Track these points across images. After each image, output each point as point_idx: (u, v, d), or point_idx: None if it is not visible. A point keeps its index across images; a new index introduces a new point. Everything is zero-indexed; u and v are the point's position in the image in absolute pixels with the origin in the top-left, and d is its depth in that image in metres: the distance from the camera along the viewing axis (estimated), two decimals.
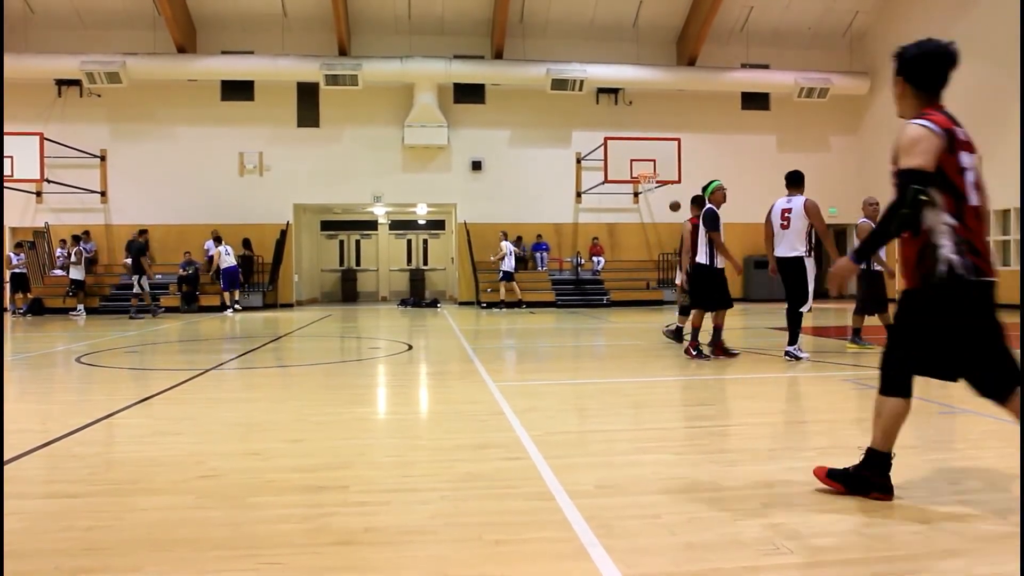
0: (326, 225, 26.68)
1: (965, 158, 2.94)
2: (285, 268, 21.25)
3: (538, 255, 22.07)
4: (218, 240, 19.10)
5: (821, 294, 16.98)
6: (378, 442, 4.48)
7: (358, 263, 27.02)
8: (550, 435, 4.38)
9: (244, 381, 7.24)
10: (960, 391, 6.24)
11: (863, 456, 3.14)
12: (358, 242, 27.05)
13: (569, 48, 21.89)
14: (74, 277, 17.83)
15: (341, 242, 27.00)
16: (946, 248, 2.88)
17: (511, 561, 2.50)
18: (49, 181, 19.33)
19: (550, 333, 12.55)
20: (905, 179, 2.84)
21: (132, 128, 21.12)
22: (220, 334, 12.76)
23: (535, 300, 20.24)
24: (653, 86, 22.09)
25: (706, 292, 8.38)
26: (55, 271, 20.21)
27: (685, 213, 10.28)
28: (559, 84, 21.11)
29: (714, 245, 8.23)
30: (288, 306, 21.35)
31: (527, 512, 3.01)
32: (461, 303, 21.97)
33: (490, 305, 19.74)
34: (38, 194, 20.61)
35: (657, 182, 19.32)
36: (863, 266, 8.76)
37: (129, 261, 18.32)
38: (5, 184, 17.78)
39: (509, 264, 19.26)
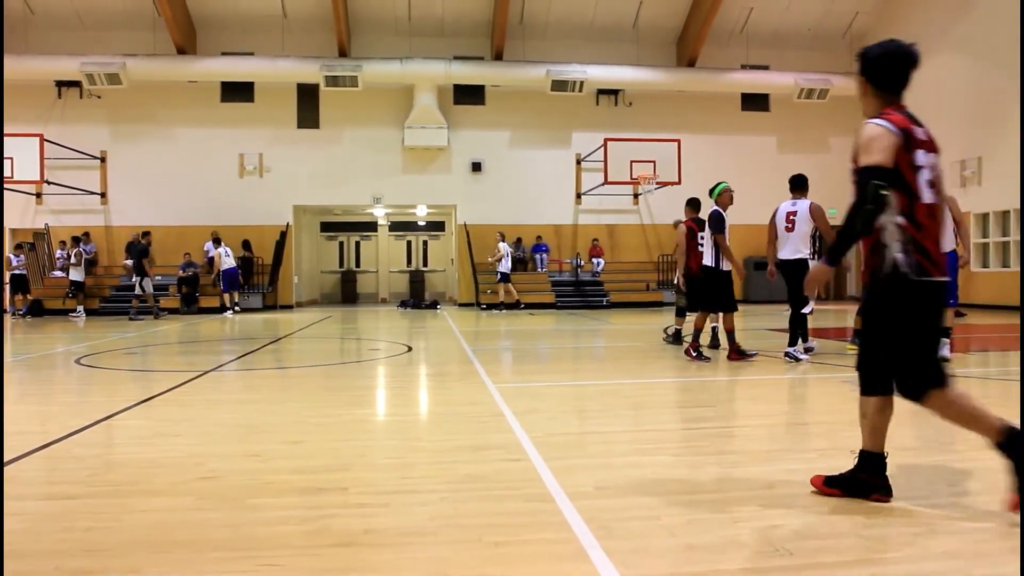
0: (326, 226, 26.68)
1: (921, 157, 2.98)
2: (285, 269, 21.25)
3: (538, 256, 22.07)
4: (217, 242, 19.10)
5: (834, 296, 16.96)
6: (378, 444, 4.48)
7: (358, 264, 27.02)
8: (550, 437, 4.38)
9: (244, 383, 7.24)
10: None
11: (857, 459, 3.15)
12: (358, 243, 27.05)
13: (569, 49, 21.90)
14: (74, 278, 17.83)
15: (341, 243, 27.01)
16: (893, 246, 2.93)
17: (511, 563, 2.50)
18: (49, 182, 19.34)
19: (550, 335, 12.55)
20: (865, 176, 2.88)
21: (132, 129, 21.12)
22: (220, 335, 12.76)
23: (535, 302, 20.24)
24: (653, 87, 22.10)
25: (712, 294, 8.34)
26: (55, 272, 20.22)
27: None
28: (559, 85, 21.11)
29: (725, 246, 8.19)
30: (288, 307, 21.35)
31: (527, 514, 3.01)
32: (461, 304, 21.97)
33: (490, 307, 19.74)
34: (38, 195, 20.61)
35: (657, 183, 19.32)
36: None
37: (130, 262, 18.34)
38: (5, 185, 17.79)
39: (506, 265, 19.26)
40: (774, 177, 19.89)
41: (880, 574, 2.38)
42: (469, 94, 22.13)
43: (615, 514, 2.96)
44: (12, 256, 18.11)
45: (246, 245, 20.64)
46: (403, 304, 21.55)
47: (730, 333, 8.18)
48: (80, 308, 17.79)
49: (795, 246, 7.84)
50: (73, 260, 17.80)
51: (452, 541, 2.70)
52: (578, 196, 22.43)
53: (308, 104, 21.78)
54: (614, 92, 22.47)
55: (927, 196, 2.98)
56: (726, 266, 8.21)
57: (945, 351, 7.65)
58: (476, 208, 21.95)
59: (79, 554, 2.61)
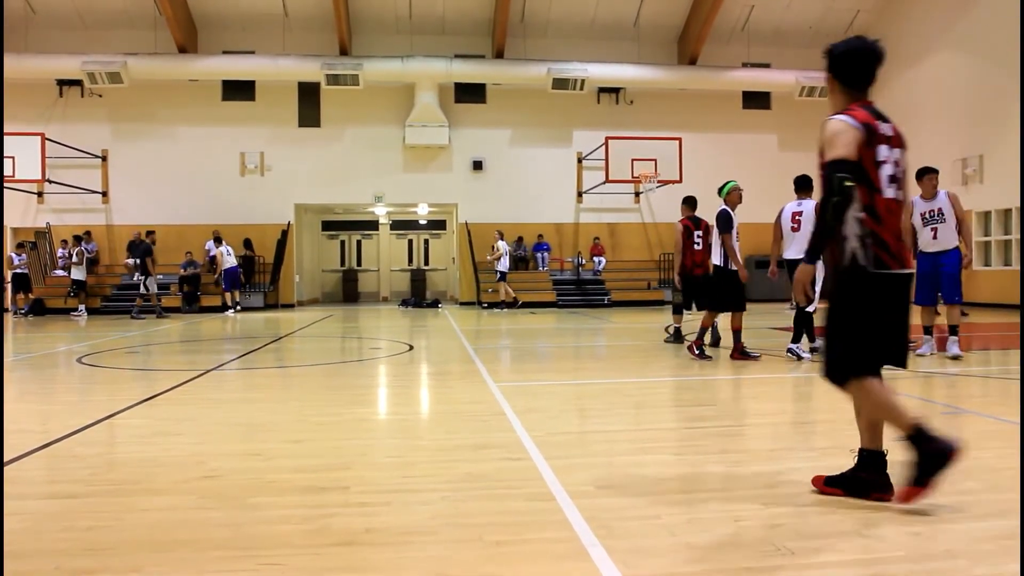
0: (327, 225, 26.68)
1: (884, 152, 3.03)
2: (286, 268, 21.26)
3: (539, 255, 22.06)
4: (219, 240, 19.11)
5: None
6: (379, 443, 4.49)
7: (359, 263, 27.02)
8: (551, 436, 4.38)
9: (245, 382, 7.24)
10: (961, 392, 6.25)
11: (857, 458, 3.15)
12: (359, 242, 27.05)
13: (570, 47, 21.88)
14: (75, 277, 17.85)
15: (342, 242, 27.01)
16: (851, 239, 2.99)
17: (511, 562, 2.51)
18: (50, 181, 19.35)
19: (551, 333, 12.55)
20: (831, 170, 2.92)
21: (133, 128, 21.13)
22: (221, 334, 12.77)
23: (536, 300, 20.24)
24: (654, 85, 22.08)
25: (721, 294, 8.31)
26: (56, 271, 20.24)
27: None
28: (560, 83, 21.10)
29: (731, 245, 8.16)
30: (289, 306, 21.36)
31: (528, 513, 3.01)
32: (462, 303, 21.97)
33: (491, 305, 19.74)
34: (39, 194, 20.62)
35: (658, 182, 19.30)
36: None
37: (131, 261, 18.35)
38: (6, 184, 17.83)
39: (505, 264, 19.28)
40: (775, 175, 19.95)
41: (880, 574, 2.38)
42: (470, 92, 22.12)
43: (616, 513, 2.96)
44: (14, 255, 18.12)
45: (247, 244, 20.65)
46: (404, 303, 21.55)
47: (736, 332, 8.17)
48: (82, 307, 17.80)
49: (800, 246, 7.84)
50: (75, 259, 17.81)
51: (453, 540, 2.71)
52: (579, 195, 22.42)
53: (309, 103, 21.78)
54: (615, 90, 22.45)
55: (888, 191, 3.04)
56: (734, 265, 8.19)
57: (955, 349, 7.66)
58: (477, 207, 21.94)
59: (80, 553, 2.61)
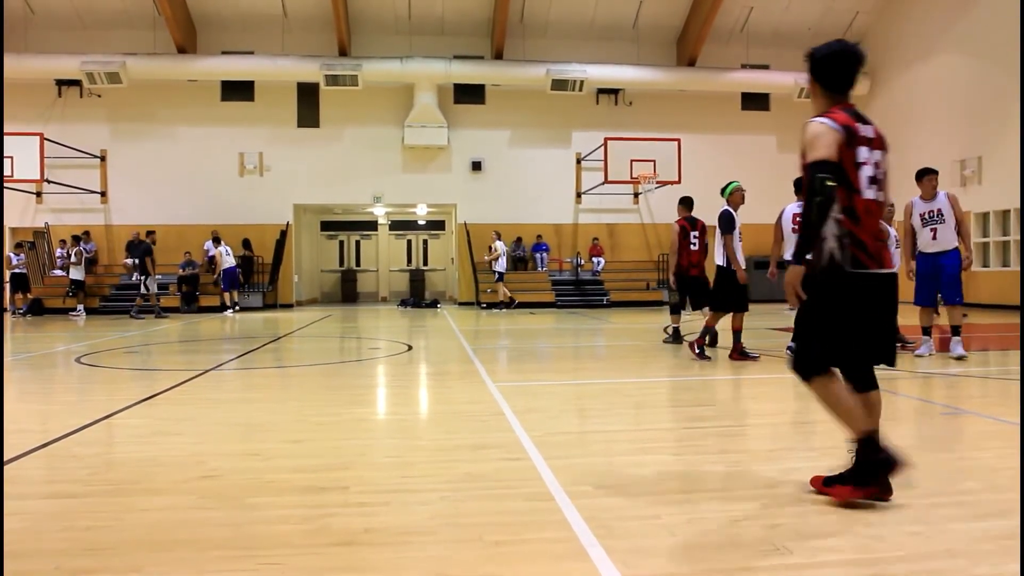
0: (326, 225, 26.68)
1: (864, 153, 3.08)
2: (285, 268, 21.25)
3: (538, 255, 22.06)
4: (217, 241, 19.11)
5: None
6: (378, 443, 4.49)
7: (358, 263, 27.02)
8: (550, 436, 4.38)
9: (244, 381, 7.24)
10: (960, 392, 6.26)
11: (854, 450, 3.14)
12: (358, 242, 27.05)
13: (569, 48, 21.89)
14: (74, 277, 17.83)
15: (341, 242, 27.01)
16: (829, 239, 3.03)
17: (511, 562, 2.50)
18: (49, 181, 19.33)
19: (550, 334, 12.55)
20: (813, 171, 2.97)
21: (132, 128, 21.12)
22: (220, 334, 12.77)
23: (535, 301, 20.24)
24: (653, 86, 22.09)
25: (724, 294, 8.31)
26: (55, 271, 20.22)
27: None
28: (559, 84, 21.10)
29: (731, 247, 8.16)
30: (288, 306, 21.35)
31: (527, 513, 3.01)
32: (461, 303, 21.97)
33: (490, 306, 19.74)
34: (38, 194, 20.61)
35: (657, 182, 19.32)
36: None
37: (130, 261, 18.35)
38: (5, 184, 17.79)
39: (503, 264, 19.28)
40: (774, 177, 19.94)
41: (880, 574, 2.38)
42: (469, 93, 22.12)
43: (615, 513, 2.96)
44: (12, 255, 18.11)
45: (246, 244, 20.65)
46: (403, 303, 21.56)
47: (736, 332, 8.17)
48: (80, 307, 17.79)
49: None
50: (73, 259, 17.79)
51: (452, 540, 2.71)
52: (578, 195, 22.42)
53: (308, 103, 21.78)
54: (614, 91, 22.46)
55: (868, 192, 3.08)
56: (741, 264, 8.19)
57: (959, 349, 7.67)
58: (476, 207, 21.95)
59: (79, 553, 2.61)
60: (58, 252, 20.18)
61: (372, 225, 26.76)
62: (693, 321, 10.94)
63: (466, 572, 2.43)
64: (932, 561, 2.47)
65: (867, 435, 3.02)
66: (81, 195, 20.64)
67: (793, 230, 7.94)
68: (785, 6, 21.74)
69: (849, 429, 3.07)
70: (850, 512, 2.95)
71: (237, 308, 18.66)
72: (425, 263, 27.07)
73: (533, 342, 11.03)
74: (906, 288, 8.52)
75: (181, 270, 19.36)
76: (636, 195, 22.35)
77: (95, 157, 20.91)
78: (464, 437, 4.45)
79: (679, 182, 18.68)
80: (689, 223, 9.41)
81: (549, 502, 3.11)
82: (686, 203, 9.57)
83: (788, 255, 7.98)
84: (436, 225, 26.94)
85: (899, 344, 8.78)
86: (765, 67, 22.61)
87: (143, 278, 16.98)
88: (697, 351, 8.08)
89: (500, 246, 19.29)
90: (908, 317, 9.02)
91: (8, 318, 17.31)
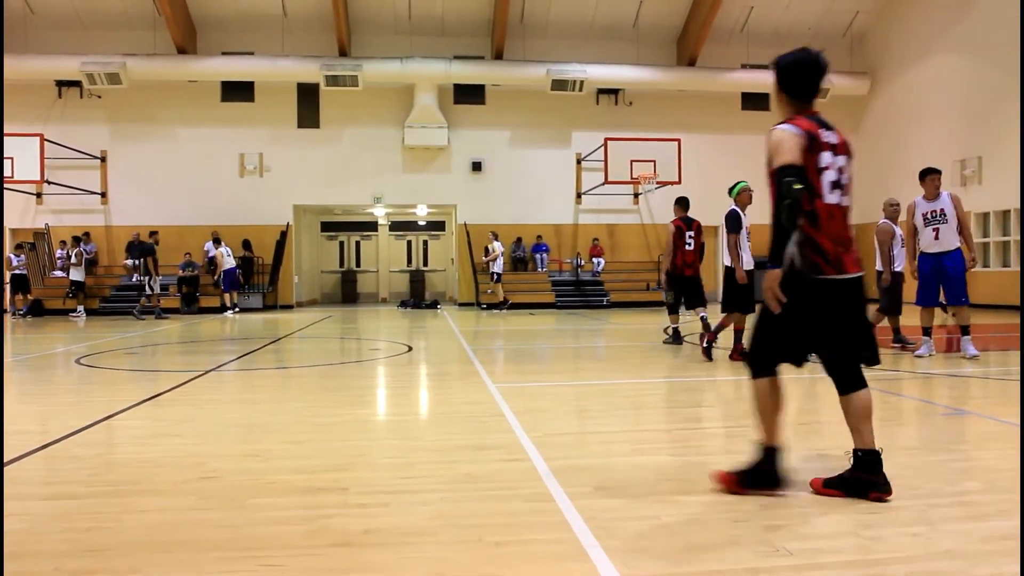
0: (326, 226, 26.67)
1: (827, 158, 3.16)
2: (285, 269, 21.25)
3: (538, 256, 22.06)
4: (217, 241, 19.12)
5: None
6: (378, 444, 4.49)
7: (358, 264, 27.01)
8: (550, 436, 4.38)
9: (244, 382, 7.24)
10: (960, 392, 6.25)
11: (852, 459, 3.15)
12: (358, 243, 27.04)
13: (569, 49, 21.89)
14: (74, 278, 17.83)
15: (341, 243, 27.00)
16: (790, 245, 3.06)
17: (511, 562, 2.51)
18: (49, 182, 19.33)
19: (550, 334, 12.55)
20: (780, 175, 3.03)
21: (132, 129, 21.12)
22: (220, 335, 12.77)
23: (535, 301, 20.24)
24: (653, 86, 22.09)
25: (731, 294, 8.31)
26: (55, 272, 20.21)
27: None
28: (559, 85, 21.10)
29: (738, 246, 8.16)
30: (288, 307, 21.35)
31: (527, 513, 3.01)
32: (461, 304, 21.97)
33: (490, 306, 19.74)
34: (38, 195, 20.61)
35: (657, 183, 19.31)
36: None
37: (130, 262, 18.37)
38: (5, 185, 17.80)
39: (500, 265, 19.29)
40: None
41: (880, 574, 2.38)
42: (469, 93, 22.12)
43: (615, 514, 2.96)
44: (12, 256, 18.11)
45: (246, 245, 20.64)
46: (403, 304, 21.55)
47: (737, 333, 8.17)
48: (80, 308, 17.79)
49: None
50: (73, 260, 17.80)
51: (452, 541, 2.71)
52: (578, 196, 22.42)
53: (308, 104, 21.78)
54: (614, 91, 22.45)
55: (830, 196, 3.16)
56: (747, 265, 8.18)
57: (971, 349, 7.68)
58: (476, 208, 21.94)
59: (79, 554, 2.61)
60: (58, 253, 20.18)
61: (372, 226, 26.76)
62: (691, 322, 10.93)
63: (466, 573, 2.43)
64: (932, 562, 2.47)
65: (773, 448, 3.22)
66: (81, 196, 20.64)
67: None
68: (785, 6, 21.74)
69: (762, 434, 3.25)
70: (850, 513, 2.95)
71: (237, 309, 18.66)
72: (425, 264, 27.06)
73: (533, 343, 11.03)
74: (909, 288, 8.56)
75: (181, 271, 19.36)
76: (636, 195, 22.35)
77: (95, 158, 20.92)
78: (464, 438, 4.45)
79: (679, 182, 18.67)
80: (685, 223, 9.42)
81: (549, 503, 3.11)
82: (682, 203, 9.60)
83: None
84: (436, 226, 26.93)
85: (900, 344, 8.81)
86: (765, 67, 22.21)
87: (146, 278, 17.01)
88: (705, 345, 8.12)
89: (498, 246, 19.29)
90: (910, 317, 9.04)
91: (8, 319, 17.31)
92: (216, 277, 19.19)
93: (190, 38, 20.94)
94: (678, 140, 19.49)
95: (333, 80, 20.55)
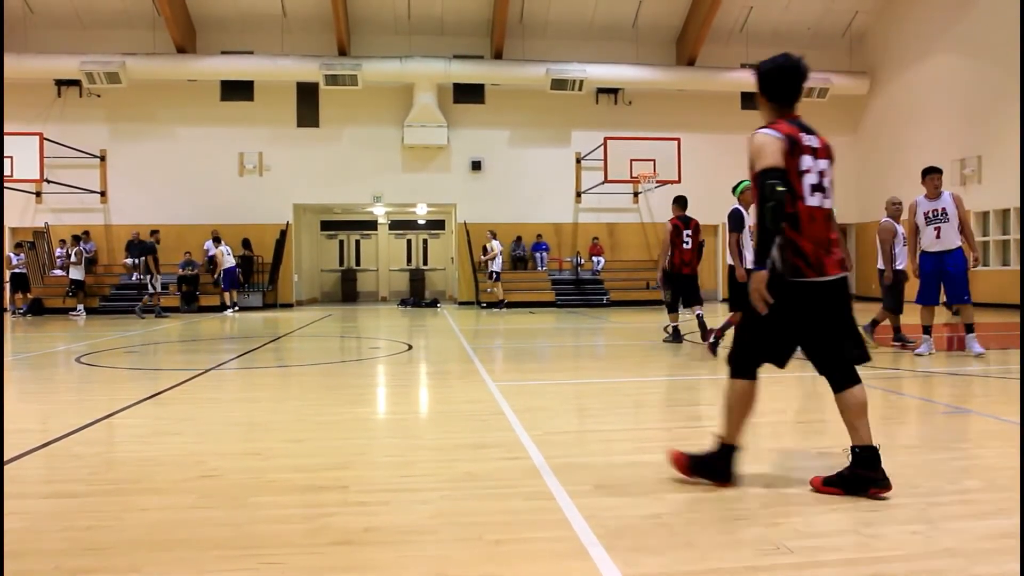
0: (326, 225, 26.67)
1: (807, 162, 3.20)
2: (285, 268, 21.25)
3: (538, 255, 22.07)
4: (217, 240, 19.12)
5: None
6: (378, 442, 4.49)
7: (358, 263, 27.01)
8: (550, 435, 4.38)
9: (244, 381, 7.24)
10: (960, 391, 6.25)
11: (851, 457, 3.16)
12: (358, 242, 27.04)
13: (569, 48, 21.88)
14: (74, 277, 17.83)
15: (341, 242, 27.00)
16: (772, 248, 3.11)
17: (511, 561, 2.50)
18: (49, 181, 19.33)
19: (550, 333, 12.55)
20: (763, 178, 3.08)
21: (132, 128, 21.11)
22: (220, 334, 12.76)
23: (535, 300, 20.24)
24: (653, 86, 22.08)
25: (736, 293, 8.33)
26: (55, 271, 20.20)
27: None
28: (559, 84, 21.09)
29: (740, 244, 8.18)
30: (288, 306, 21.35)
31: (527, 512, 3.01)
32: (461, 303, 21.97)
33: (490, 305, 19.74)
34: (38, 194, 20.60)
35: (657, 182, 19.32)
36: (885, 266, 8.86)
37: (129, 261, 18.36)
38: (5, 184, 17.79)
39: (499, 264, 19.28)
40: None
41: (880, 573, 2.38)
42: (469, 93, 22.11)
43: (615, 512, 2.96)
44: (12, 255, 18.11)
45: (246, 244, 20.65)
46: (403, 303, 21.56)
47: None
48: (80, 307, 17.79)
49: None
50: (73, 259, 17.79)
51: (452, 539, 2.71)
52: (578, 195, 22.42)
53: (308, 103, 21.77)
54: (614, 91, 22.45)
55: (811, 199, 3.19)
56: (750, 264, 8.19)
57: (977, 346, 7.72)
58: (476, 207, 21.94)
59: (79, 553, 2.61)
60: (58, 252, 20.18)
61: (372, 225, 26.76)
62: (691, 320, 10.93)
63: (466, 571, 2.43)
64: (932, 560, 2.47)
65: (730, 445, 3.32)
66: (81, 195, 20.63)
67: None
68: (785, 6, 21.73)
69: (725, 430, 3.33)
70: (850, 511, 2.95)
71: (236, 308, 18.66)
72: (425, 263, 27.06)
73: (533, 341, 11.03)
74: (911, 286, 8.58)
75: (181, 270, 19.36)
76: (636, 194, 22.35)
77: (95, 157, 20.91)
78: (464, 436, 4.45)
79: (679, 181, 18.68)
80: (682, 222, 9.44)
81: (549, 501, 3.11)
82: (680, 202, 9.62)
83: None
84: (436, 225, 26.93)
85: (900, 343, 8.82)
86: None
87: (148, 277, 17.03)
88: (711, 340, 8.18)
89: (496, 245, 19.28)
90: (910, 316, 9.04)
91: (8, 318, 17.30)
92: (216, 276, 19.19)
93: (190, 37, 20.92)
94: (678, 139, 19.50)
95: (333, 79, 20.54)
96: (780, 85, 3.31)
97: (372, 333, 12.84)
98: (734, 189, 8.46)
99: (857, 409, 3.16)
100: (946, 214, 7.72)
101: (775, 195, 3.01)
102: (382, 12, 21.37)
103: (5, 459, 3.83)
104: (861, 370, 3.26)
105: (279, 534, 2.77)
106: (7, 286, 17.82)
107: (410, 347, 9.96)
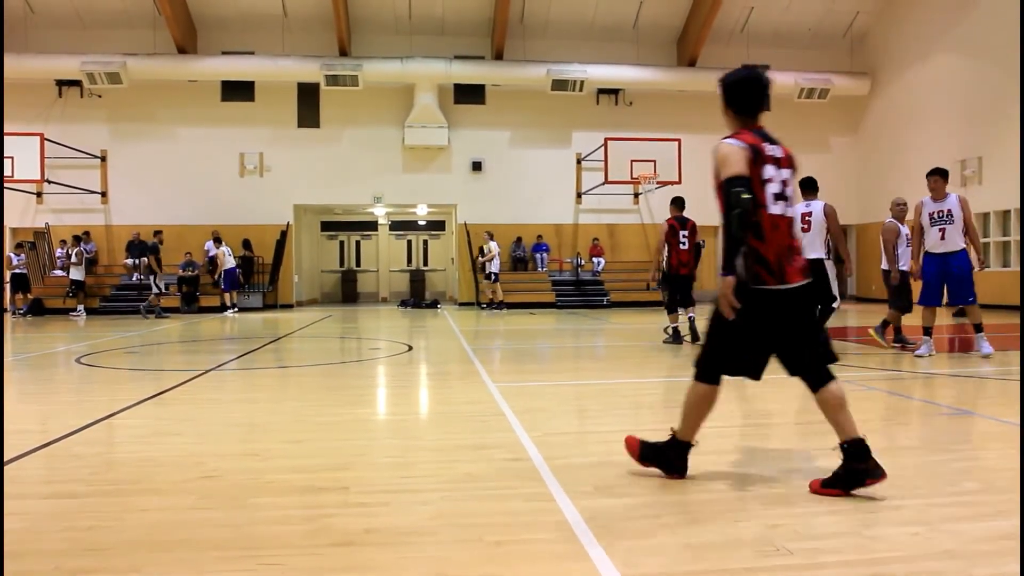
0: (326, 226, 26.67)
1: (770, 171, 3.27)
2: (285, 269, 21.25)
3: (538, 256, 22.07)
4: (218, 241, 19.12)
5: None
6: (378, 443, 4.49)
7: (358, 264, 27.01)
8: (550, 436, 4.38)
9: (244, 382, 7.24)
10: (960, 392, 6.25)
11: (842, 453, 3.17)
12: (358, 243, 27.04)
13: (569, 49, 21.89)
14: (74, 277, 17.83)
15: (341, 243, 27.00)
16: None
17: (511, 562, 2.51)
18: (49, 182, 19.33)
19: (550, 334, 12.55)
20: (728, 186, 3.15)
21: (132, 128, 21.12)
22: (220, 335, 12.77)
23: (535, 301, 20.24)
24: (653, 87, 22.09)
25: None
26: (55, 271, 20.21)
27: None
28: (559, 85, 21.10)
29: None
30: (288, 307, 21.35)
31: (527, 513, 3.01)
32: (461, 304, 21.97)
33: (490, 306, 19.74)
34: (38, 195, 20.60)
35: (657, 183, 19.32)
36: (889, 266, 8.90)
37: (130, 262, 18.36)
38: (5, 185, 17.80)
39: (497, 265, 19.30)
40: None
41: (879, 574, 2.38)
42: (469, 93, 22.12)
43: (615, 513, 2.96)
44: (13, 255, 18.11)
45: (246, 244, 20.65)
46: (403, 303, 21.56)
47: None
48: (80, 307, 17.79)
49: (812, 245, 8.04)
50: (74, 259, 17.80)
51: (452, 540, 2.71)
52: (578, 195, 22.42)
53: (308, 103, 21.78)
54: (614, 92, 22.45)
55: (774, 207, 3.26)
56: None
57: (987, 347, 7.76)
58: (476, 207, 21.94)
59: (79, 553, 2.61)
60: (58, 252, 20.19)
61: (372, 225, 26.76)
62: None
63: (466, 572, 2.43)
64: (931, 562, 2.47)
65: (686, 442, 3.42)
66: (81, 195, 20.64)
67: (803, 229, 8.06)
68: (785, 6, 21.74)
69: (682, 429, 3.43)
70: (850, 513, 2.95)
71: (236, 309, 18.65)
72: (425, 263, 27.06)
73: (533, 342, 11.03)
74: (914, 286, 8.59)
75: (182, 270, 19.36)
76: (636, 195, 22.35)
77: (95, 157, 20.91)
78: (464, 437, 4.46)
79: (679, 182, 18.67)
80: (679, 222, 9.46)
81: (549, 502, 3.11)
82: (677, 203, 9.66)
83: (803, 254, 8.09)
84: (436, 225, 26.93)
85: (900, 344, 8.83)
86: (765, 67, 22.49)
87: (151, 277, 17.09)
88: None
89: (494, 246, 19.30)
90: (909, 317, 9.04)
91: (8, 318, 17.31)
92: (216, 276, 19.19)
93: (190, 37, 20.94)
94: (678, 140, 19.50)
95: (333, 80, 20.55)
96: (744, 97, 3.37)
97: (372, 334, 12.84)
98: None
99: (836, 405, 3.20)
100: (951, 216, 7.75)
101: (741, 202, 3.07)
102: (383, 12, 21.38)
103: (5, 459, 3.83)
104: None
105: (279, 535, 2.77)
106: (7, 286, 17.83)
107: (410, 348, 9.97)
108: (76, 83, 20.58)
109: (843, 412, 3.18)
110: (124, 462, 3.96)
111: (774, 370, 3.40)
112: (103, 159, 21.07)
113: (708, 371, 3.39)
